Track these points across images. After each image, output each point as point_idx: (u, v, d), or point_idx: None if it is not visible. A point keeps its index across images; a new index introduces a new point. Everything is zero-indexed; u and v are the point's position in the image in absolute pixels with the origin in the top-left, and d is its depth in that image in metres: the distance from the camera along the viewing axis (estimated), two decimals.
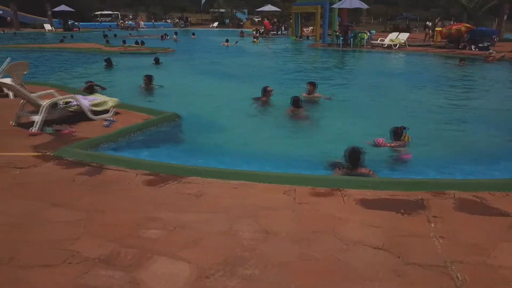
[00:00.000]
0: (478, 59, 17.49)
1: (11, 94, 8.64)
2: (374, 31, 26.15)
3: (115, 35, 33.41)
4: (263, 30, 36.54)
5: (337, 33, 24.90)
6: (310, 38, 31.34)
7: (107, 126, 6.50)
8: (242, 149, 6.27)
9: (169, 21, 69.35)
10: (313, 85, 9.27)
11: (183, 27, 56.68)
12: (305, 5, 30.81)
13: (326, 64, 17.53)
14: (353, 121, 8.23)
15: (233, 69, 15.28)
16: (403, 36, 22.80)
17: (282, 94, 9.37)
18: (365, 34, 23.55)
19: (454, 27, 21.86)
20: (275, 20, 40.59)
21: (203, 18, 75.94)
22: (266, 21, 38.91)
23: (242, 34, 35.36)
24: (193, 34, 35.09)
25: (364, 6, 23.89)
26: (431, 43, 24.07)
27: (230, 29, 52.14)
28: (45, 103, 6.25)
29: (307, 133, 7.31)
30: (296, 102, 8.11)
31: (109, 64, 14.51)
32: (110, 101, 7.12)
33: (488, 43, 20.65)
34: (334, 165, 4.92)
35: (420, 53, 20.48)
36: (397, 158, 6.00)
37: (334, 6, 25.42)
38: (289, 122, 7.88)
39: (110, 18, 65.39)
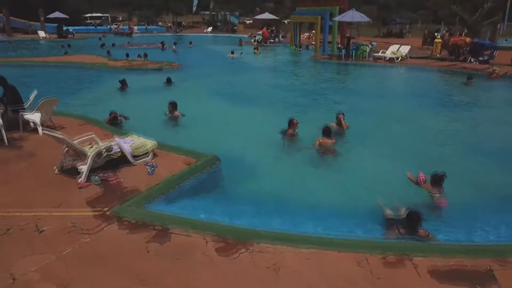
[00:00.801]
0: (482, 75, 17.84)
1: (40, 129, 8.66)
2: (375, 43, 26.43)
3: (113, 44, 33.18)
4: (260, 38, 36.67)
5: (339, 45, 25.15)
6: (310, 47, 31.50)
7: (151, 173, 6.58)
8: (283, 197, 6.37)
9: (160, 24, 69.03)
10: (342, 115, 9.47)
11: (177, 32, 56.48)
12: (305, 15, 31.02)
13: (335, 82, 17.58)
14: (381, 153, 8.50)
15: (246, 90, 15.24)
16: (404, 49, 23.11)
17: (303, 119, 9.54)
18: (367, 47, 23.84)
19: (460, 39, 22.28)
20: (273, 28, 40.75)
21: (195, 21, 75.85)
22: (264, 29, 39.05)
23: (240, 43, 35.44)
24: (190, 42, 34.87)
25: (366, 19, 24.20)
26: (434, 55, 24.44)
27: (226, 35, 52.20)
28: (91, 153, 6.30)
29: (343, 173, 7.43)
30: (327, 133, 8.34)
31: (123, 85, 14.46)
32: (149, 144, 7.19)
33: (488, 57, 21.13)
34: (390, 223, 5.09)
35: (423, 68, 20.76)
36: (433, 204, 6.20)
37: (336, 19, 25.64)
38: (322, 160, 8.09)
39: (100, 21, 64.98)
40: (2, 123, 8.01)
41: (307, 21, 32.30)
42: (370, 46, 24.38)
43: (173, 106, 10.58)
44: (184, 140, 8.80)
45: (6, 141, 8.01)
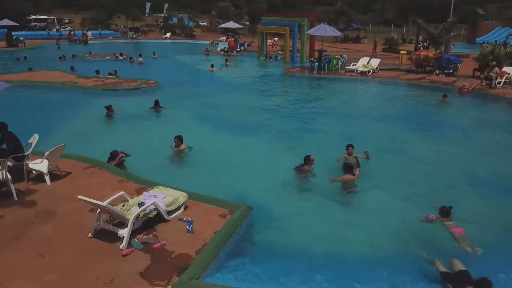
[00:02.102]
0: (452, 90, 18.88)
1: (47, 178, 8.14)
2: (346, 56, 27.18)
3: (73, 56, 31.68)
4: (226, 47, 36.49)
5: (312, 58, 25.61)
6: (279, 58, 31.74)
7: (190, 231, 6.41)
8: (325, 250, 6.47)
9: (112, 26, 66.41)
10: (352, 147, 9.69)
11: (134, 38, 54.50)
12: (273, 25, 31.17)
13: (320, 102, 17.49)
14: (394, 187, 8.84)
15: (238, 114, 14.83)
16: (375, 62, 23.98)
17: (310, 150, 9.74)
18: (338, 60, 24.46)
19: (422, 53, 23.56)
20: (237, 37, 40.62)
21: (148, 23, 73.73)
22: (230, 38, 38.91)
23: (207, 53, 35.08)
24: (154, 53, 33.71)
25: (338, 33, 24.84)
26: (399, 66, 25.58)
27: (186, 41, 51.32)
28: (131, 217, 6.03)
29: (372, 216, 7.55)
30: (349, 169, 8.67)
31: (110, 111, 13.82)
32: (181, 197, 7.00)
33: (453, 70, 22.49)
34: (449, 279, 5.29)
35: (396, 82, 21.57)
36: (450, 232, 6.73)
37: (309, 32, 26.08)
38: (348, 199, 8.32)
39: (46, 23, 61.50)
40: (11, 177, 7.47)
41: (275, 32, 32.49)
42: (341, 59, 25.05)
43: (179, 139, 10.38)
44: (201, 181, 8.77)
45: (15, 196, 7.46)
